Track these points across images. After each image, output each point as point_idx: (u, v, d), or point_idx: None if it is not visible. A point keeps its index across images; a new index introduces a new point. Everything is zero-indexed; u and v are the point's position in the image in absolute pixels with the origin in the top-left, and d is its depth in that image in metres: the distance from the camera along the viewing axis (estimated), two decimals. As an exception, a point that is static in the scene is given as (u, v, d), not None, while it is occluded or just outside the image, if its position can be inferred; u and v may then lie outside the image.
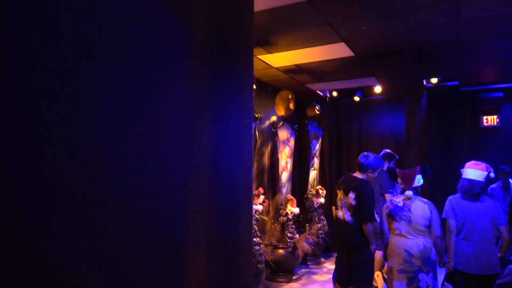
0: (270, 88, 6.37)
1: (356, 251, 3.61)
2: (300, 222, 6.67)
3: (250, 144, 2.24)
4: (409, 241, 3.29)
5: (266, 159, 6.28)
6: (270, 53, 4.71)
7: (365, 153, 3.74)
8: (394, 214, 3.42)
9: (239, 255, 2.07)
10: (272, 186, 6.26)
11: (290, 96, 5.72)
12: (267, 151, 6.31)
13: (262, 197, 4.61)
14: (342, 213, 3.72)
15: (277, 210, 5.71)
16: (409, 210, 3.34)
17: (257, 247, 4.32)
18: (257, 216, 4.52)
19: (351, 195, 3.61)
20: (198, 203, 1.77)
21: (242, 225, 2.12)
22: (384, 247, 3.61)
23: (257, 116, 4.89)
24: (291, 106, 5.77)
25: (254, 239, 4.43)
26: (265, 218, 4.94)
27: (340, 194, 3.78)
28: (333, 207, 3.92)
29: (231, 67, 2.14)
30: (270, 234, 5.69)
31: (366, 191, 3.56)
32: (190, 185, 1.72)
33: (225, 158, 2.03)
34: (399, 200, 3.47)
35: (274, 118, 6.33)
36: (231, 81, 2.14)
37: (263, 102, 6.17)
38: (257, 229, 4.50)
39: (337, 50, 4.65)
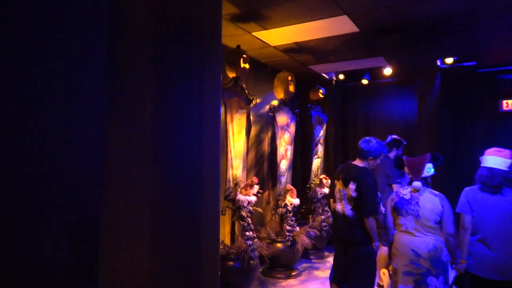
0: (270, 70, 5.93)
1: (354, 248, 3.20)
2: (303, 214, 6.29)
3: (217, 127, 1.85)
4: (416, 239, 2.87)
5: (265, 146, 5.88)
6: (266, 29, 4.27)
7: (366, 137, 3.29)
8: (400, 208, 3.00)
9: (199, 257, 1.70)
10: (272, 175, 5.87)
11: (289, 78, 5.27)
12: (267, 137, 5.91)
13: (256, 187, 4.22)
14: (341, 207, 3.31)
15: (277, 201, 5.32)
16: (417, 203, 2.91)
17: (249, 242, 3.95)
18: (250, 208, 4.14)
19: (351, 186, 3.19)
20: (135, 196, 1.39)
21: (204, 222, 1.74)
22: (389, 244, 3.19)
23: (251, 99, 4.47)
24: (291, 88, 5.33)
25: (247, 233, 4.06)
26: (259, 209, 4.56)
27: (338, 185, 3.36)
28: (331, 200, 3.50)
29: (189, 33, 1.73)
30: (269, 227, 5.33)
31: (368, 180, 3.13)
32: (123, 173, 1.34)
33: (180, 141, 1.63)
34: (406, 192, 3.05)
35: (275, 103, 5.91)
36: (189, 49, 1.74)
37: (262, 85, 5.74)
38: (250, 222, 4.12)
39: (340, 25, 4.18)
